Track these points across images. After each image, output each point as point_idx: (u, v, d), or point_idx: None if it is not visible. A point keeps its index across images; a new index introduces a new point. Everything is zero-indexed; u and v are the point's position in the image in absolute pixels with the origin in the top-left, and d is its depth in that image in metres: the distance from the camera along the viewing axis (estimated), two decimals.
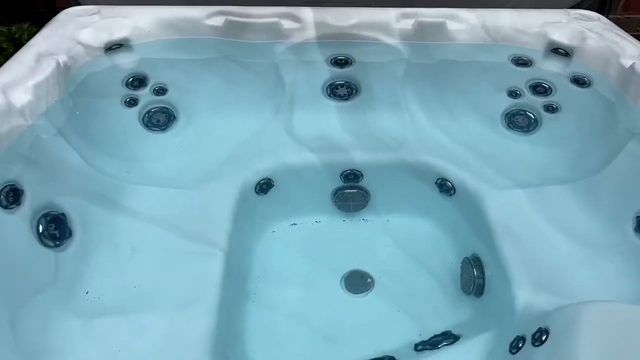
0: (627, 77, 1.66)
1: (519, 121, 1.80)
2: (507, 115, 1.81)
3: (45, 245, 1.26)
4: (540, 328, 1.04)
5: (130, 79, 1.81)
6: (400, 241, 1.54)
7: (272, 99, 1.77)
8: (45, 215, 1.30)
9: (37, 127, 1.41)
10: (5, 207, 1.22)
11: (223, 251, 1.27)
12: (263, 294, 1.37)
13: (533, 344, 1.03)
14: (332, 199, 1.60)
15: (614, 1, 2.07)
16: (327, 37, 1.90)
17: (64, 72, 1.61)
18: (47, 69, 1.54)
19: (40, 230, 1.27)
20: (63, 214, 1.33)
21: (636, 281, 1.23)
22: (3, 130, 1.29)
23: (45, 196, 1.32)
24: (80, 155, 1.48)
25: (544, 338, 1.02)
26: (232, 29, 1.89)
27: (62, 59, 1.62)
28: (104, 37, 1.83)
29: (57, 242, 1.28)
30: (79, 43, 1.76)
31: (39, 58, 1.58)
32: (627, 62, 1.68)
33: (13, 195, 1.26)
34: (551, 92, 1.84)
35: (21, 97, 1.41)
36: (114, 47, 1.84)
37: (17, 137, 1.34)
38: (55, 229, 1.30)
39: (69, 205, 1.35)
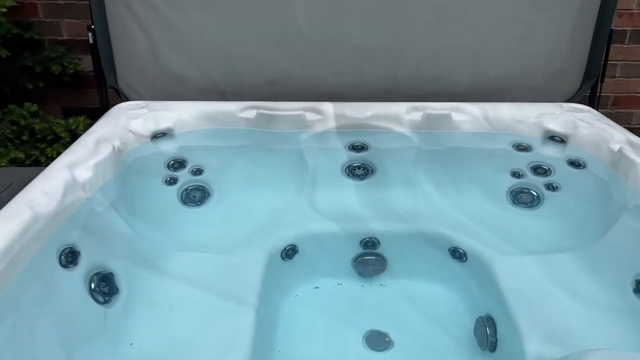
0: (616, 159, 1.84)
1: (523, 198, 1.96)
2: (511, 192, 1.98)
3: (96, 300, 1.41)
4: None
5: (172, 162, 2.05)
6: (417, 303, 1.64)
7: (296, 178, 1.98)
8: (96, 274, 1.46)
9: (94, 200, 1.62)
10: (65, 266, 1.39)
11: (254, 308, 1.40)
12: (288, 350, 1.46)
13: None
14: (352, 265, 1.74)
15: (601, 97, 2.32)
16: (345, 127, 2.16)
17: (117, 155, 1.84)
18: (105, 151, 1.78)
19: (92, 287, 1.42)
20: (111, 274, 1.49)
21: (636, 336, 1.31)
22: (68, 201, 1.50)
23: (97, 258, 1.49)
24: (128, 224, 1.67)
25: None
26: (263, 120, 2.16)
27: (116, 144, 1.87)
28: (151, 127, 2.10)
29: (106, 298, 1.43)
30: (130, 131, 2.02)
31: (98, 143, 1.83)
32: (615, 147, 1.87)
33: (71, 256, 1.43)
34: (550, 173, 2.02)
35: (83, 174, 1.63)
36: (159, 135, 2.10)
37: (78, 208, 1.53)
38: (104, 286, 1.45)
39: (116, 266, 1.51)
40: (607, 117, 2.14)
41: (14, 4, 2.24)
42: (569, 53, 2.32)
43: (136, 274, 1.53)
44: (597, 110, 2.23)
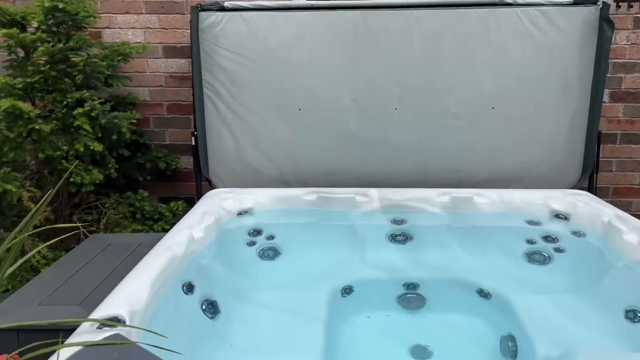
0: (606, 229, 2.32)
1: (537, 257, 2.42)
2: (527, 254, 2.45)
3: (207, 316, 1.93)
4: None
5: (252, 231, 2.63)
6: (452, 327, 2.07)
7: (349, 243, 2.51)
8: (205, 300, 2.00)
9: (203, 253, 2.20)
10: (186, 293, 1.94)
11: (322, 326, 1.88)
12: (350, 355, 1.89)
13: None
14: (397, 301, 2.19)
15: (603, 188, 2.81)
16: (388, 207, 2.72)
17: (216, 224, 2.45)
18: (209, 220, 2.39)
19: (203, 308, 1.96)
20: (214, 301, 2.02)
21: (624, 348, 1.74)
22: (189, 251, 2.08)
23: (205, 290, 2.04)
24: (224, 270, 2.23)
25: None
26: (322, 202, 2.75)
27: (215, 216, 2.49)
28: (237, 207, 2.72)
29: (212, 315, 1.95)
30: (223, 209, 2.65)
31: (203, 215, 2.45)
32: (605, 219, 2.36)
33: (189, 288, 1.98)
34: (558, 240, 2.48)
35: (197, 234, 2.23)
36: (242, 212, 2.71)
37: (194, 257, 2.12)
38: (210, 308, 1.98)
39: (217, 296, 2.05)
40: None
41: (140, 117, 3.04)
42: (567, 151, 2.88)
43: (231, 302, 2.07)
44: (594, 195, 2.73)
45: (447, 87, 2.87)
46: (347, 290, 2.17)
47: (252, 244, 2.57)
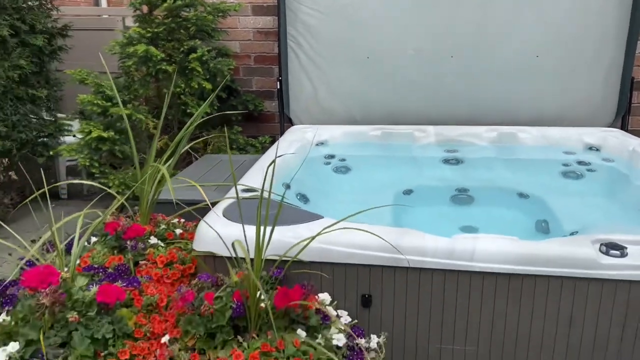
0: (631, 155, 2.77)
1: (570, 175, 2.91)
2: (562, 172, 2.94)
3: (300, 202, 2.55)
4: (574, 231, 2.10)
5: (327, 155, 3.23)
6: (496, 217, 2.60)
7: (408, 164, 3.07)
8: (298, 193, 2.61)
9: (293, 167, 2.81)
10: (285, 190, 2.56)
11: (389, 211, 2.45)
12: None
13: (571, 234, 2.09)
14: (449, 199, 2.75)
15: (635, 131, 3.22)
16: (442, 141, 3.24)
17: (301, 148, 3.05)
18: (296, 146, 3.01)
19: (298, 198, 2.58)
20: (305, 194, 2.64)
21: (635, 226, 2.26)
22: (287, 165, 2.69)
23: (298, 189, 2.65)
24: (309, 179, 2.84)
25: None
26: (385, 136, 3.31)
27: (300, 144, 3.09)
28: (316, 138, 3.32)
29: (304, 202, 2.57)
30: (305, 138, 3.25)
31: (290, 143, 3.06)
32: (631, 148, 2.80)
33: (287, 186, 2.59)
34: (589, 164, 2.95)
35: (291, 153, 2.84)
36: (319, 143, 3.31)
37: (290, 170, 2.72)
38: (303, 198, 2.61)
39: (307, 191, 2.66)
40: None
41: (235, 65, 3.68)
42: (603, 95, 3.27)
43: (316, 197, 2.69)
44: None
45: (497, 38, 3.30)
46: (408, 192, 2.75)
47: (327, 163, 3.18)
